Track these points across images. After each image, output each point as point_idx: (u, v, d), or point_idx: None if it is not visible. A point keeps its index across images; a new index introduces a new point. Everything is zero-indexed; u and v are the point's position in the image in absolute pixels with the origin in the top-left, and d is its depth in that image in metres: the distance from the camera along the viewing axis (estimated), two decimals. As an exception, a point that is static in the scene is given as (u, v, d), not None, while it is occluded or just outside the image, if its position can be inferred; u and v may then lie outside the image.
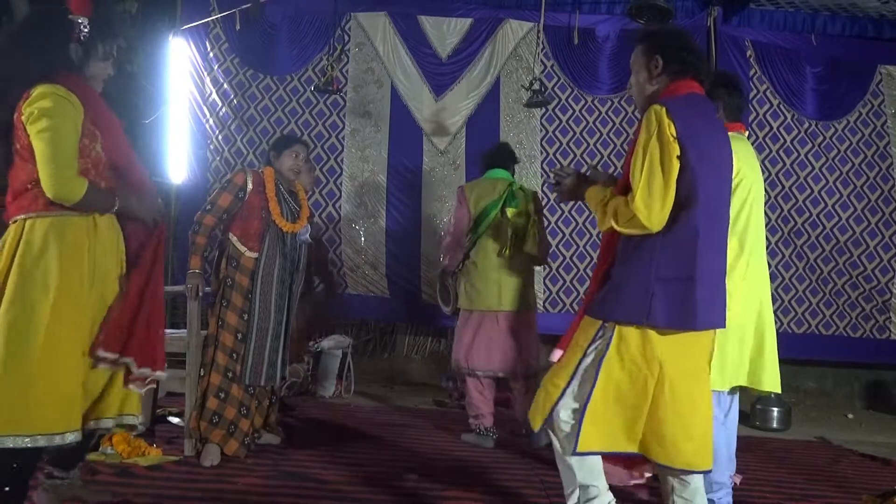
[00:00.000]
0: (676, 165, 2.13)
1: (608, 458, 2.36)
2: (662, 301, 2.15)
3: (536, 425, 2.30)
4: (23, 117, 2.24)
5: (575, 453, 2.19)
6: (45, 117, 2.21)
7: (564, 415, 2.24)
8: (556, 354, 2.46)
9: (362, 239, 5.70)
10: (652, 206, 2.12)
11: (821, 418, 5.54)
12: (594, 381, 2.18)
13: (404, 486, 3.08)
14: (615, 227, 2.21)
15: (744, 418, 4.67)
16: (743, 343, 2.76)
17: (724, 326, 2.29)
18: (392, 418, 4.50)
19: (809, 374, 6.13)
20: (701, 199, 2.14)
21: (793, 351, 5.58)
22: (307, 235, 3.63)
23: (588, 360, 2.23)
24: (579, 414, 2.19)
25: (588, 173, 2.55)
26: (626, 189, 2.21)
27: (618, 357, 2.18)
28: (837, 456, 4.22)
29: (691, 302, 2.14)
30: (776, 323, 5.59)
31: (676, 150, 2.13)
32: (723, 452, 2.73)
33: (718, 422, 2.73)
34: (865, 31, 5.80)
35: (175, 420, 3.93)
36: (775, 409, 4.98)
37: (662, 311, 2.14)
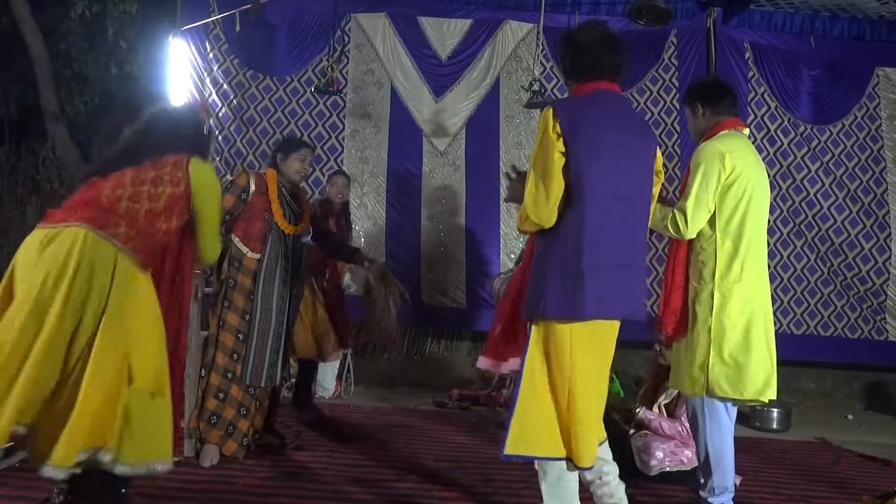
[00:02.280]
0: (559, 161, 2.22)
1: None
2: (554, 294, 2.22)
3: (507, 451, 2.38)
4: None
5: (504, 456, 2.25)
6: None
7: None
8: (482, 361, 2.59)
9: (362, 240, 5.70)
10: (538, 201, 2.24)
11: (821, 419, 5.54)
12: (519, 380, 2.26)
13: (404, 486, 3.08)
14: (520, 228, 2.36)
15: (744, 419, 4.69)
16: (755, 350, 2.68)
17: (630, 317, 2.35)
18: (392, 419, 4.50)
19: (809, 375, 6.13)
20: (588, 193, 2.21)
21: (792, 352, 5.58)
22: (308, 238, 3.63)
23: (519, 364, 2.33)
24: (507, 419, 2.26)
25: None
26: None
27: (535, 356, 2.27)
28: (837, 457, 4.23)
29: (579, 293, 2.20)
30: (776, 324, 5.59)
31: (559, 147, 2.21)
32: (727, 457, 2.72)
33: (725, 427, 2.73)
34: (864, 33, 5.81)
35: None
36: (775, 411, 4.98)
37: (552, 304, 2.22)
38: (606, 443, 2.44)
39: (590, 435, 2.28)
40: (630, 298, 2.35)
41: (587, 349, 2.27)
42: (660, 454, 3.28)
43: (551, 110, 2.25)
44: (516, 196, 2.53)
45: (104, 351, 2.15)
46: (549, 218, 2.24)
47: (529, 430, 2.24)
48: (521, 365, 2.28)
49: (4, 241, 7.08)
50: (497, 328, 2.60)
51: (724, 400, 2.70)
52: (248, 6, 5.40)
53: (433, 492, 3.02)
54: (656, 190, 2.55)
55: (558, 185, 2.22)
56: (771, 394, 2.72)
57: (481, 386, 5.29)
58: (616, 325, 2.37)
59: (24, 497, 2.61)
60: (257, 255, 3.36)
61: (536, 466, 2.36)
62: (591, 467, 2.33)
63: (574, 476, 2.34)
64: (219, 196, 2.53)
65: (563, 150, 2.22)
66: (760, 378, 2.69)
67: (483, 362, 2.73)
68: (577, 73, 2.39)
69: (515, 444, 2.23)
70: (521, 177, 2.55)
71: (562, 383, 2.25)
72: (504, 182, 5.67)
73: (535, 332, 2.29)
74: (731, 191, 2.68)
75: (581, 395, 2.25)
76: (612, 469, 2.43)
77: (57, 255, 2.15)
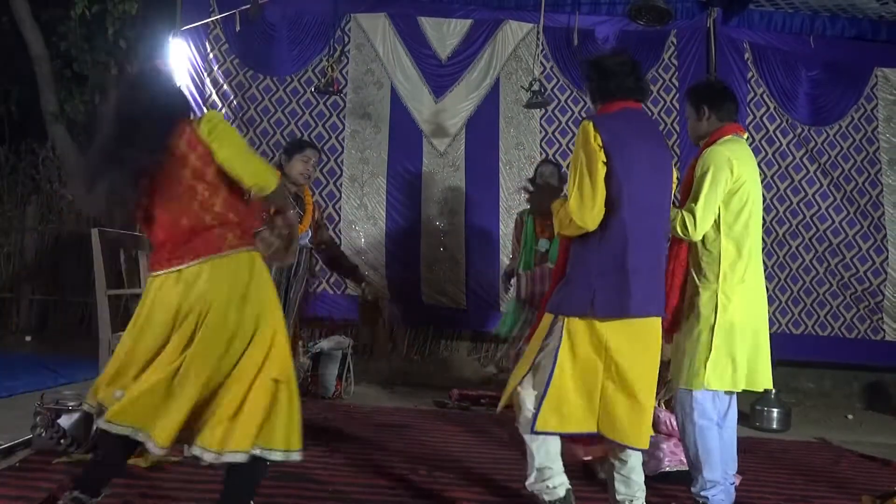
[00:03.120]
0: (602, 170, 2.41)
1: (569, 438, 2.63)
2: (602, 294, 2.42)
3: (499, 407, 2.68)
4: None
5: (533, 432, 2.47)
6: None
7: (527, 401, 2.50)
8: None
9: (362, 240, 5.71)
10: (583, 206, 2.41)
11: (820, 419, 5.54)
12: (551, 370, 2.44)
13: (404, 486, 3.08)
14: (561, 231, 2.53)
15: (744, 419, 4.67)
16: (743, 346, 2.80)
17: (663, 315, 2.57)
18: (392, 419, 4.49)
19: (809, 375, 6.14)
20: (626, 202, 2.42)
21: (791, 352, 5.60)
22: (307, 240, 3.62)
23: (543, 352, 2.51)
24: (539, 399, 2.46)
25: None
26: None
27: (569, 347, 2.45)
28: (837, 457, 4.23)
29: (626, 293, 2.41)
30: (775, 324, 5.61)
31: (602, 157, 2.41)
32: (715, 451, 2.80)
33: (712, 422, 2.81)
34: (863, 34, 5.81)
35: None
36: (775, 410, 4.98)
37: (602, 303, 2.42)
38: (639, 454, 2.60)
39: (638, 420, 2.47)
40: (658, 298, 2.55)
41: (626, 344, 2.45)
42: (660, 454, 3.27)
43: (591, 123, 2.45)
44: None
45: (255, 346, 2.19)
46: (594, 222, 2.42)
47: (563, 407, 2.44)
48: (555, 355, 2.45)
49: (4, 240, 7.09)
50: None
51: (712, 392, 2.81)
52: (248, 6, 5.40)
53: (433, 492, 3.02)
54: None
55: (602, 192, 2.41)
56: (765, 382, 2.86)
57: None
58: (655, 322, 2.53)
59: (24, 497, 2.61)
60: (255, 256, 3.35)
61: (525, 434, 2.54)
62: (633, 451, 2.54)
63: (556, 439, 2.56)
64: (233, 130, 2.29)
65: (605, 160, 2.41)
66: (744, 369, 2.82)
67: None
68: (603, 94, 2.59)
69: (546, 420, 2.44)
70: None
71: (595, 377, 2.45)
72: (504, 185, 5.72)
73: (567, 327, 2.46)
74: (736, 197, 2.81)
75: (619, 387, 2.44)
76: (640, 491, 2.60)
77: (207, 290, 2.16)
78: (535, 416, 2.45)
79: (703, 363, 2.76)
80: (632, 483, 2.57)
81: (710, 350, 2.76)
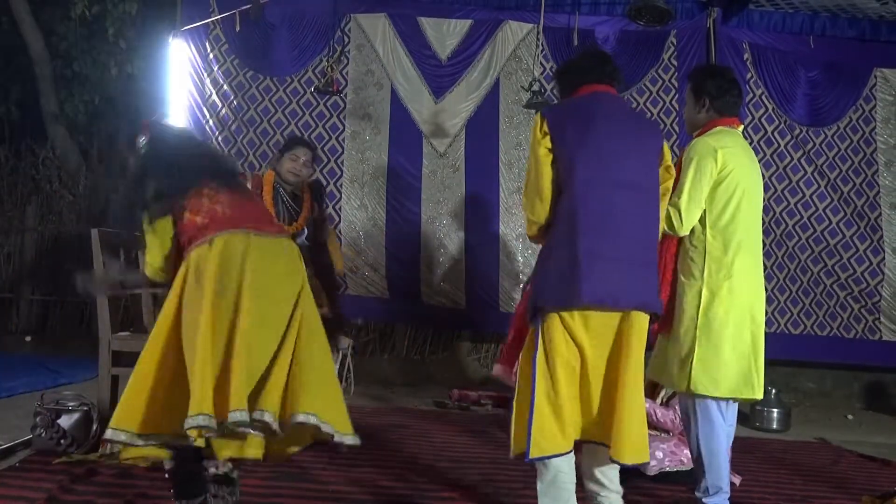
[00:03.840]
0: (545, 158, 2.33)
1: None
2: (553, 282, 2.29)
3: (514, 452, 2.35)
4: None
5: (528, 460, 2.25)
6: None
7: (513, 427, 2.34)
8: (496, 369, 2.64)
9: (362, 241, 5.71)
10: (531, 200, 2.36)
11: (820, 419, 5.54)
12: (533, 384, 2.26)
13: (404, 486, 3.08)
14: (528, 233, 2.48)
15: (744, 419, 4.69)
16: (734, 348, 2.65)
17: (641, 309, 2.31)
18: (392, 419, 4.50)
19: (809, 375, 6.13)
20: (580, 179, 2.28)
21: (791, 352, 5.60)
22: (303, 238, 3.61)
23: (523, 372, 2.36)
24: (527, 422, 2.24)
25: None
26: None
27: (544, 351, 2.28)
28: (837, 457, 4.23)
29: (575, 280, 2.23)
30: (774, 324, 5.58)
31: (545, 144, 2.33)
32: (720, 454, 2.69)
33: (716, 423, 2.69)
34: (863, 34, 5.79)
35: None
36: (775, 410, 4.98)
37: (551, 291, 2.28)
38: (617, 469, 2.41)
39: (628, 429, 2.27)
40: (642, 290, 2.31)
41: (595, 341, 2.26)
42: (659, 454, 3.27)
43: (539, 113, 2.40)
44: None
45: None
46: (544, 212, 2.36)
47: (547, 431, 2.25)
48: (533, 367, 2.27)
49: (4, 240, 7.09)
50: (510, 335, 2.65)
51: (704, 397, 2.66)
52: (248, 6, 5.40)
53: (433, 492, 3.02)
54: (669, 184, 2.55)
55: (548, 180, 2.33)
56: (749, 392, 2.69)
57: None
58: (636, 316, 2.30)
59: (23, 497, 2.61)
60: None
61: (537, 466, 2.36)
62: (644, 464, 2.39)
63: (570, 478, 2.33)
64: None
65: (550, 146, 2.33)
66: (737, 375, 2.66)
67: (497, 370, 2.81)
68: (565, 87, 2.54)
69: (540, 446, 2.24)
70: None
71: (571, 378, 2.28)
72: (504, 186, 5.71)
73: (540, 331, 2.29)
74: (721, 187, 2.66)
75: (592, 386, 2.28)
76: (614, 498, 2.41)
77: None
78: (528, 440, 2.24)
79: (684, 364, 2.63)
80: (606, 482, 2.40)
81: (693, 351, 2.62)
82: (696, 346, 2.63)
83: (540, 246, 2.48)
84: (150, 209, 2.37)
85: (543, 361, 2.28)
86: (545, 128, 2.33)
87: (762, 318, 2.77)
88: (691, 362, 2.63)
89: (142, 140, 2.48)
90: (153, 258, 2.41)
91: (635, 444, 2.29)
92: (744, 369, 2.67)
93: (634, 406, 2.30)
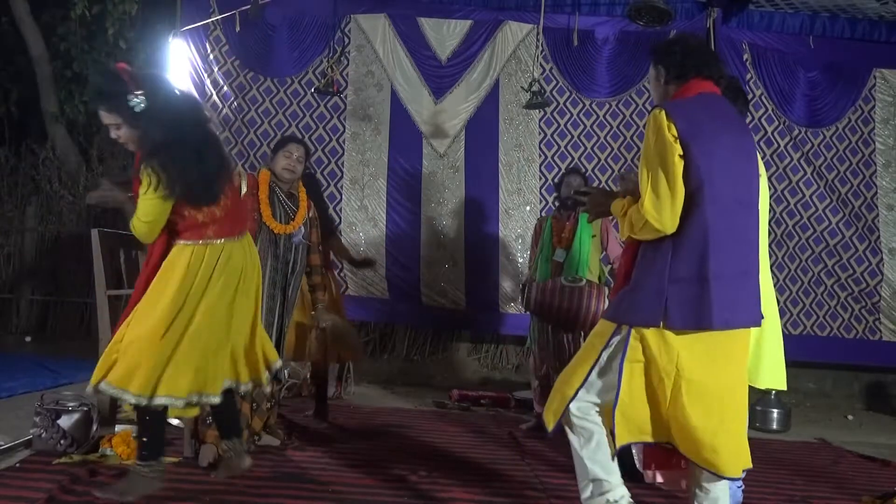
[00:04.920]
0: (679, 165, 2.13)
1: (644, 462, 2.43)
2: (677, 303, 2.14)
3: (550, 425, 2.32)
4: None
5: (619, 448, 2.24)
6: None
7: (583, 411, 2.27)
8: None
9: (363, 241, 5.71)
10: (660, 207, 2.13)
11: (821, 419, 5.55)
12: (619, 382, 2.19)
13: (404, 487, 3.08)
14: (633, 234, 2.23)
15: (743, 419, 4.69)
16: None
17: (753, 325, 2.27)
18: (391, 419, 4.49)
19: (809, 375, 6.14)
20: (709, 198, 2.13)
21: (791, 352, 5.55)
22: (300, 237, 3.60)
23: (603, 362, 2.25)
24: (611, 414, 2.21)
25: (616, 181, 2.58)
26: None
27: (636, 359, 2.19)
28: (837, 457, 4.23)
29: (706, 302, 2.12)
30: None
31: (678, 150, 2.13)
32: None
33: None
34: (863, 34, 5.80)
35: (175, 422, 3.92)
36: (775, 411, 4.99)
37: (677, 313, 2.14)
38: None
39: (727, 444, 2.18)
40: (751, 306, 2.27)
41: (703, 359, 2.18)
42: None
43: (664, 112, 2.17)
44: (601, 211, 2.47)
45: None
46: (673, 223, 2.14)
47: (634, 419, 2.22)
48: (620, 367, 2.20)
49: (4, 241, 7.09)
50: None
51: None
52: (248, 7, 5.40)
53: (433, 492, 3.02)
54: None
55: (681, 190, 2.13)
56: (767, 380, 2.79)
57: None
58: (742, 334, 2.26)
59: (23, 497, 2.61)
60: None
61: (571, 435, 2.32)
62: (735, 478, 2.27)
63: (605, 432, 2.31)
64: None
65: (682, 153, 2.14)
66: (760, 366, 2.75)
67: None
68: (681, 71, 2.35)
69: (622, 434, 2.22)
70: (601, 191, 2.54)
71: (663, 391, 2.20)
72: (504, 187, 5.71)
73: (634, 338, 2.20)
74: None
75: (693, 407, 2.17)
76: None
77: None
78: (613, 431, 2.21)
79: None
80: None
81: None
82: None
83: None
84: (193, 191, 2.55)
85: (633, 367, 2.21)
86: (674, 131, 2.14)
87: (774, 311, 2.84)
88: None
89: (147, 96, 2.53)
90: (151, 229, 2.58)
91: (738, 454, 2.24)
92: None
93: (737, 423, 2.27)
